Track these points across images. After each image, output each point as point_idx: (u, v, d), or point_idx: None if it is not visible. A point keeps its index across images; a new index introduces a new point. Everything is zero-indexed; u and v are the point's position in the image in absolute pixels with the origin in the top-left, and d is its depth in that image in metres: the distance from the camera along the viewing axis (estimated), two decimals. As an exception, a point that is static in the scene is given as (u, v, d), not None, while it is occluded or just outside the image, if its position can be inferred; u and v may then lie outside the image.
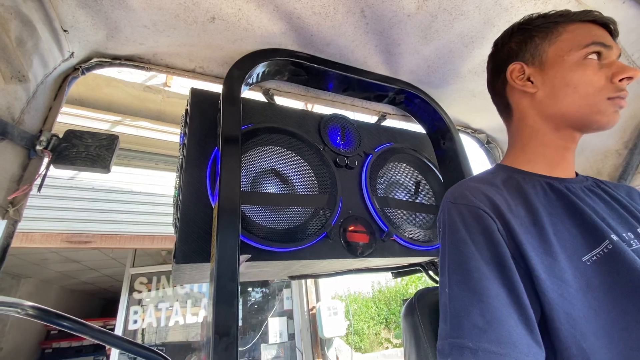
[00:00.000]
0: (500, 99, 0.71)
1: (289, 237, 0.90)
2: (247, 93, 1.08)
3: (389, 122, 1.38)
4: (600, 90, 0.58)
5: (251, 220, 0.87)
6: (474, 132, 1.53)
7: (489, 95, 0.77)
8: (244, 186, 0.90)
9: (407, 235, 1.08)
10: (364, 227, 1.05)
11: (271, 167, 0.97)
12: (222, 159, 0.80)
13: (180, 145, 1.04)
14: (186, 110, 0.99)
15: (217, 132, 0.93)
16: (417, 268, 1.34)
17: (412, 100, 1.27)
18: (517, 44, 0.66)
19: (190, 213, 0.84)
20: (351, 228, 1.03)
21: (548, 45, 0.62)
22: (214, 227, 0.79)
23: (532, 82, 0.64)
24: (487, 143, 1.54)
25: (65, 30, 0.82)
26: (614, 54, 0.60)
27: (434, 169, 1.27)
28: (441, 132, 1.25)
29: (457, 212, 0.56)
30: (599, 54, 0.59)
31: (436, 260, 1.25)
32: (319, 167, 1.04)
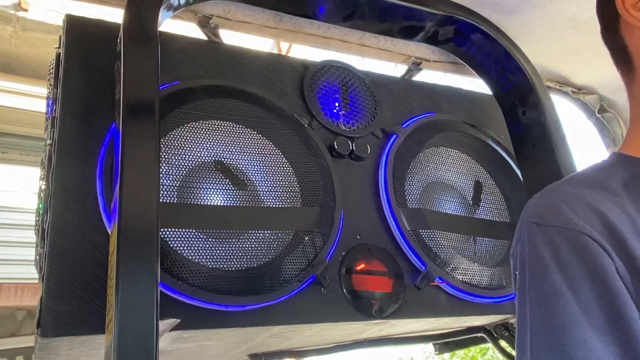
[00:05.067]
0: (612, 40, 0.72)
1: (250, 286, 0.90)
2: (169, 24, 1.07)
3: (426, 75, 1.39)
4: None
5: (180, 257, 0.87)
6: (576, 92, 1.55)
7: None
8: (165, 194, 0.90)
9: (460, 277, 1.09)
10: (384, 265, 1.05)
11: (215, 159, 0.97)
12: (124, 145, 0.80)
13: (47, 118, 1.02)
14: (58, 55, 0.98)
15: (114, 96, 0.92)
16: (480, 335, 1.36)
17: (468, 36, 1.28)
18: None
19: (68, 244, 0.83)
20: (361, 267, 1.03)
21: None
22: (111, 270, 0.78)
23: None
24: (600, 111, 1.56)
25: None
26: None
27: (508, 159, 1.28)
28: (519, 92, 1.27)
29: (546, 240, 0.56)
30: None
31: (512, 321, 1.26)
32: (303, 159, 1.04)
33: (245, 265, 0.92)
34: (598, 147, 1.63)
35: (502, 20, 1.28)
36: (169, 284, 0.84)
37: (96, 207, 0.87)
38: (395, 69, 1.40)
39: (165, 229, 0.87)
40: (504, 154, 1.28)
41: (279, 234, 0.97)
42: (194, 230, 0.90)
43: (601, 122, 1.58)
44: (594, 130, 1.59)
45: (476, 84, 1.39)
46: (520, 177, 1.26)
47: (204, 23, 1.14)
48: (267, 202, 0.99)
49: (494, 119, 1.36)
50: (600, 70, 1.45)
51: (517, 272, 0.60)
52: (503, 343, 1.32)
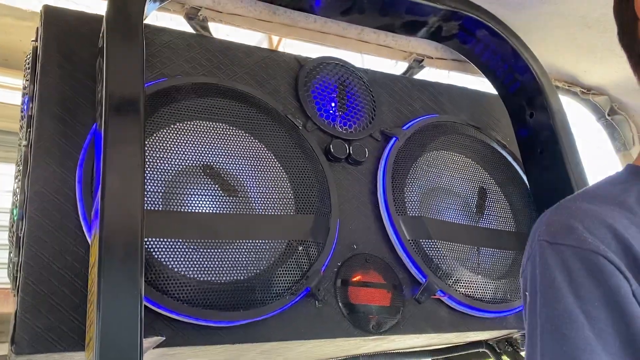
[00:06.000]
0: (629, 45, 0.73)
1: (239, 300, 0.90)
2: (155, 17, 1.06)
3: (428, 74, 1.39)
4: None
5: (165, 268, 0.86)
6: (585, 93, 1.56)
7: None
8: (150, 201, 0.89)
9: (462, 290, 1.09)
10: (382, 277, 1.05)
11: (203, 163, 0.97)
12: (106, 148, 0.79)
13: (22, 117, 1.01)
14: (34, 48, 0.97)
15: (96, 94, 0.91)
16: (482, 350, 1.36)
17: (473, 33, 1.28)
18: None
19: (44, 254, 0.82)
20: (357, 278, 1.03)
21: None
22: (91, 284, 0.77)
23: None
24: (610, 113, 1.57)
25: None
26: None
27: (515, 164, 1.28)
28: (527, 93, 1.27)
29: (559, 260, 0.56)
30: None
31: (516, 336, 1.27)
32: (297, 163, 1.04)
33: (234, 278, 0.91)
34: (609, 155, 1.64)
35: (509, 16, 1.28)
36: (153, 298, 0.84)
37: (75, 214, 0.86)
38: (395, 67, 1.39)
39: (150, 239, 0.87)
40: (510, 159, 1.29)
41: (271, 244, 0.96)
42: (180, 240, 0.89)
43: (611, 125, 1.60)
44: (605, 138, 1.60)
45: (481, 85, 1.39)
46: (527, 183, 1.26)
47: (192, 15, 1.14)
48: (258, 209, 0.98)
49: (499, 120, 1.37)
50: (611, 70, 1.46)
51: (527, 293, 0.60)
52: (506, 359, 1.33)
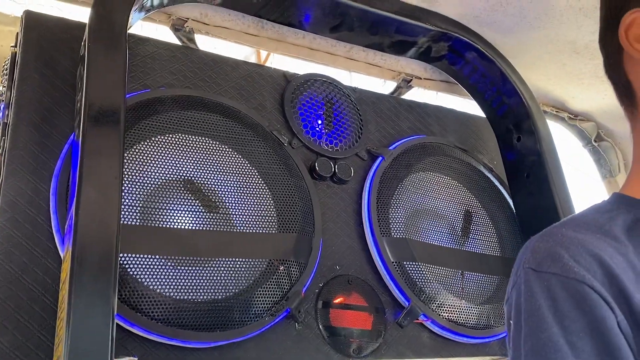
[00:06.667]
0: (615, 75, 0.74)
1: (217, 320, 0.89)
2: (140, 26, 1.06)
3: (416, 94, 1.40)
4: None
5: (140, 285, 0.85)
6: (573, 119, 1.58)
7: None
8: (127, 215, 0.89)
9: (446, 315, 1.09)
10: (364, 299, 1.05)
11: (184, 178, 0.96)
12: (83, 159, 0.78)
13: (-3, 124, 1.00)
14: (13, 54, 0.96)
15: (75, 104, 0.91)
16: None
17: (462, 54, 1.30)
18: None
19: (14, 268, 0.81)
20: (339, 300, 1.03)
21: None
22: (61, 300, 0.76)
23: None
24: (596, 140, 1.60)
25: None
26: None
27: (501, 187, 1.29)
28: (514, 116, 1.29)
29: (544, 288, 0.56)
30: None
31: (499, 363, 1.27)
32: (280, 180, 1.04)
33: (212, 297, 0.90)
34: (594, 181, 1.66)
35: (499, 40, 1.30)
36: (127, 316, 0.82)
37: (48, 227, 0.85)
38: (384, 86, 1.40)
39: (125, 254, 0.86)
40: (496, 182, 1.30)
41: (252, 263, 0.96)
42: (157, 256, 0.88)
43: (597, 151, 1.62)
44: (590, 163, 1.63)
45: (468, 107, 1.41)
46: (513, 207, 1.27)
47: (179, 26, 1.14)
48: (239, 226, 0.97)
49: (486, 143, 1.38)
50: (598, 97, 1.49)
51: (511, 322, 0.60)
52: (489, 386, 1.32)
